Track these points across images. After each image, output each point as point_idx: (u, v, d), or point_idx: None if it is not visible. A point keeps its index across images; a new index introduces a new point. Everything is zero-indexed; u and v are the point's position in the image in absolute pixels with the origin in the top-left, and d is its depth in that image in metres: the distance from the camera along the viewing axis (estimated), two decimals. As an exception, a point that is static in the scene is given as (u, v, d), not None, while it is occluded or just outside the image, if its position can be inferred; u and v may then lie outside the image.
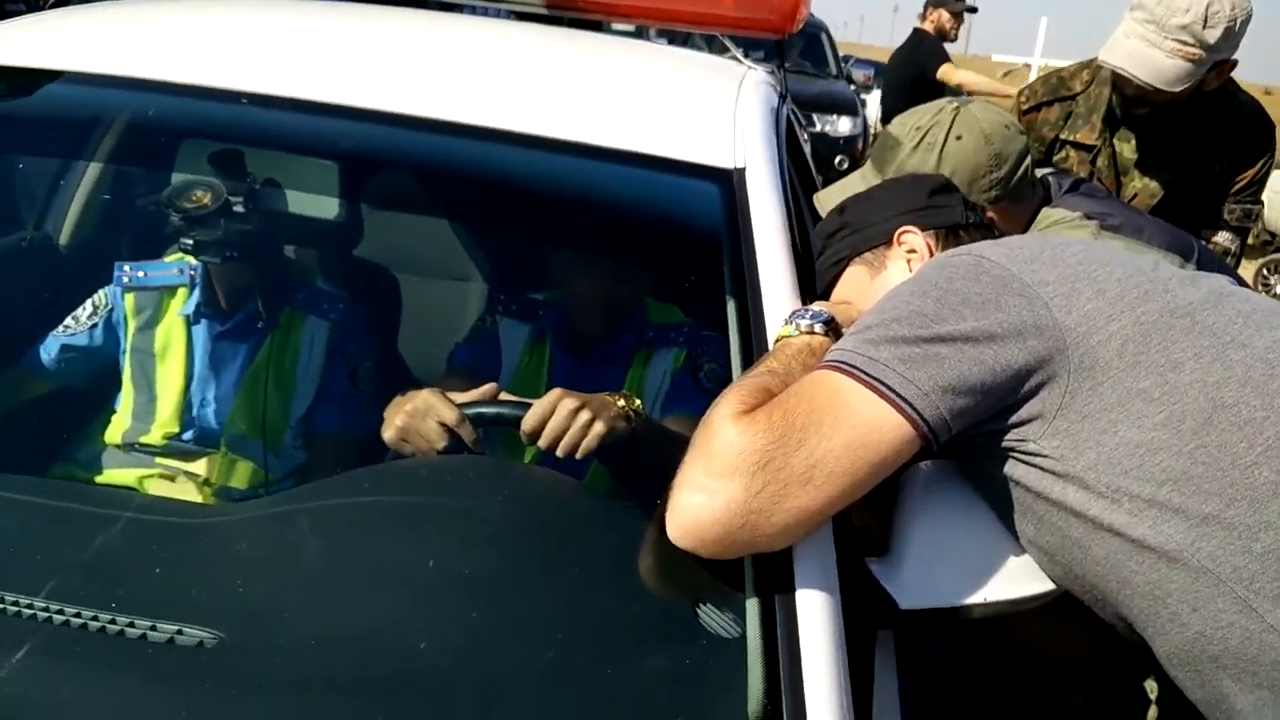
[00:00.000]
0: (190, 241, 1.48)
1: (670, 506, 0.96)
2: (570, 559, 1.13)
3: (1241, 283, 1.44)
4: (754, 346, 1.14)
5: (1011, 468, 1.07)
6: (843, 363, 1.02)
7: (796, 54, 10.32)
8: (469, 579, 1.07)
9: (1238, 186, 2.36)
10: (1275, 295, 9.14)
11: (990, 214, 1.55)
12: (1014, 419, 1.05)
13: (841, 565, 1.02)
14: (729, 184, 1.32)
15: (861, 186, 1.61)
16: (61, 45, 1.59)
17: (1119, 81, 2.24)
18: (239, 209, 1.44)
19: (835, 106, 8.77)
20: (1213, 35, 2.04)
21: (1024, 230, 1.61)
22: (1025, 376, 1.03)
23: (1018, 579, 1.07)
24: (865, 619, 1.04)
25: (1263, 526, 0.97)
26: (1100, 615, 1.11)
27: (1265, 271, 10.26)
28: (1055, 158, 2.48)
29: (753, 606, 0.96)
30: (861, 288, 1.35)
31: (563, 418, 1.24)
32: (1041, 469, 1.05)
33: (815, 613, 0.95)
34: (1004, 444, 1.06)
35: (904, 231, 1.33)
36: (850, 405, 0.99)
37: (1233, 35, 2.08)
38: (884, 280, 1.32)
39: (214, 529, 1.18)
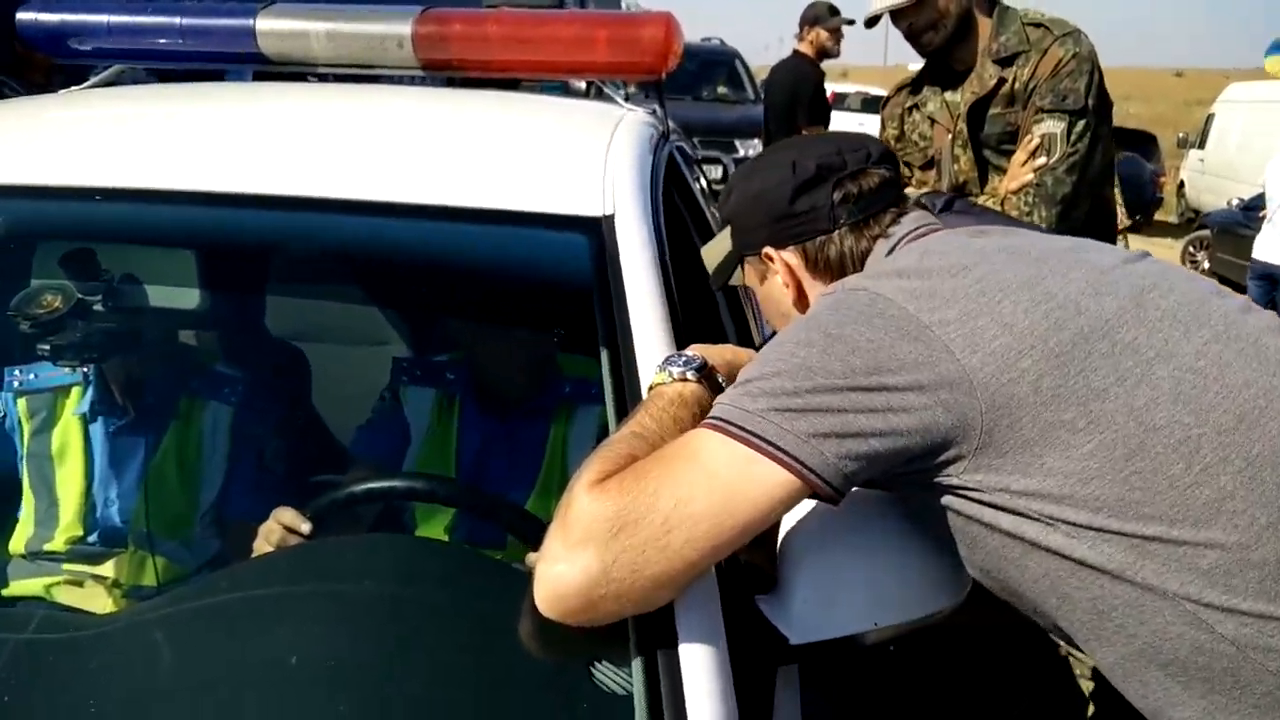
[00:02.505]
0: (47, 347, 1.45)
1: (535, 577, 0.95)
2: (471, 629, 1.12)
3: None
4: (626, 396, 1.14)
5: (937, 495, 1.04)
6: (717, 418, 0.98)
7: (720, 82, 10.60)
8: (361, 665, 1.06)
9: (1041, 81, 2.47)
10: (1203, 273, 9.36)
11: None
12: (930, 461, 1.00)
13: (730, 606, 1.02)
14: (597, 232, 1.33)
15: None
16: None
17: (896, 25, 2.59)
18: (97, 308, 1.42)
19: (755, 130, 8.94)
20: None
21: None
22: (930, 423, 0.98)
23: (908, 603, 1.07)
24: (761, 658, 1.04)
25: (1207, 544, 0.95)
26: (1040, 625, 1.10)
27: (1191, 249, 10.53)
28: (906, 125, 2.76)
29: (637, 661, 0.95)
30: (756, 289, 1.35)
31: None
32: (968, 498, 1.02)
33: (699, 661, 0.94)
34: (925, 477, 1.02)
35: (765, 253, 1.29)
36: (714, 462, 0.95)
37: None
38: (768, 292, 1.32)
39: (104, 640, 1.16)
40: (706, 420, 1.00)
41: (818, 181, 1.23)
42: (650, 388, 1.12)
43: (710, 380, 1.12)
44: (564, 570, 0.92)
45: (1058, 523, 0.98)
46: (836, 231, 1.23)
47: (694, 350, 1.16)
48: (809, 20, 5.26)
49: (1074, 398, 0.97)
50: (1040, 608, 1.06)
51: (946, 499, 1.04)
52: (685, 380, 1.10)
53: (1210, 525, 0.95)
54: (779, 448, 0.95)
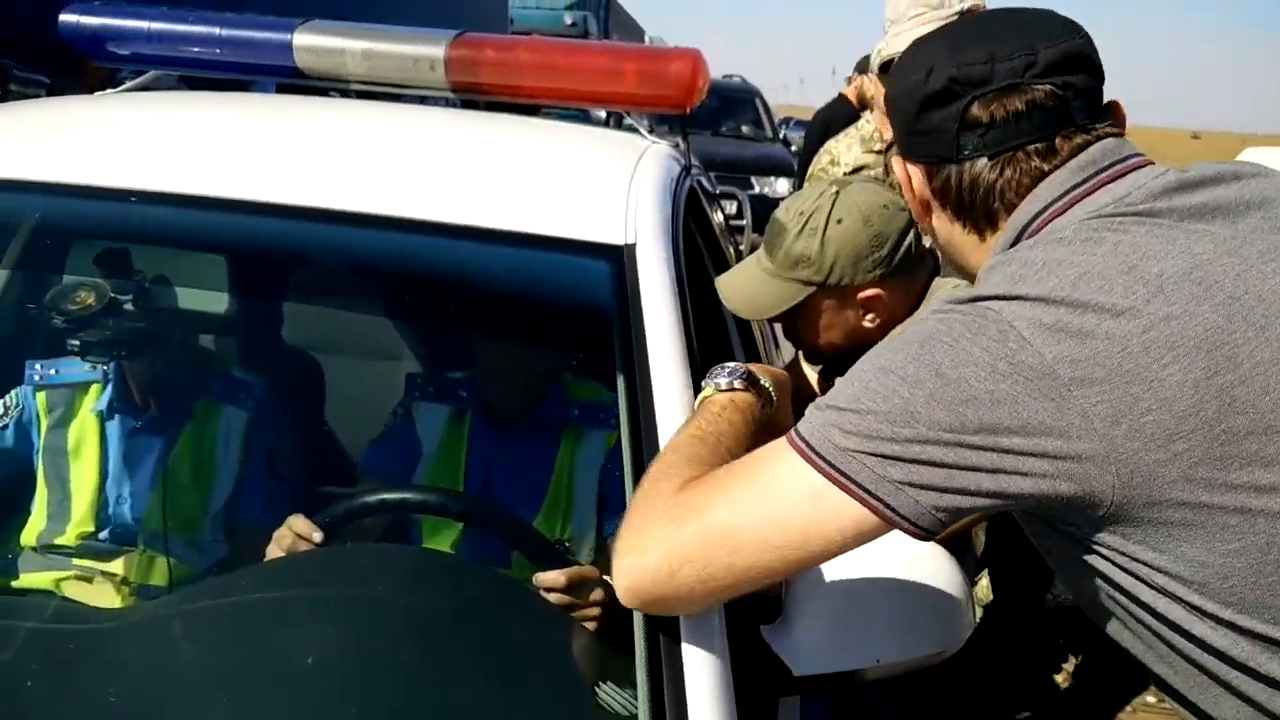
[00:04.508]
0: (76, 343, 1.48)
1: (614, 568, 0.97)
2: (476, 645, 1.13)
3: None
4: (641, 420, 1.16)
5: (1042, 524, 0.95)
6: (806, 445, 0.91)
7: (740, 120, 10.76)
8: (369, 672, 1.07)
9: None
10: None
11: (879, 291, 1.60)
12: (1040, 513, 0.91)
13: (735, 635, 1.03)
14: (619, 260, 1.35)
15: (756, 270, 1.67)
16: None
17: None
18: (127, 307, 1.45)
19: (772, 169, 9.09)
20: None
21: (916, 304, 1.64)
22: (1049, 491, 0.86)
23: (912, 641, 1.08)
24: (763, 687, 1.05)
25: None
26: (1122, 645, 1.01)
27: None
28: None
29: (642, 684, 0.97)
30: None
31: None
32: (1081, 542, 0.91)
33: (703, 687, 0.95)
34: (1031, 516, 0.94)
35: (894, 158, 1.11)
36: (796, 492, 0.91)
37: None
38: (905, 192, 1.12)
39: (113, 635, 1.17)
40: (794, 442, 0.93)
41: (948, 98, 0.99)
42: (699, 401, 1.13)
43: (756, 386, 1.13)
44: (637, 568, 0.94)
45: (1181, 601, 0.88)
46: (962, 163, 1.01)
47: (735, 364, 1.16)
48: (858, 67, 5.41)
49: (1231, 492, 0.84)
50: (1128, 643, 0.98)
51: (1053, 535, 0.94)
52: (733, 389, 1.11)
53: None
54: (870, 491, 0.88)
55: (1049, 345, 0.85)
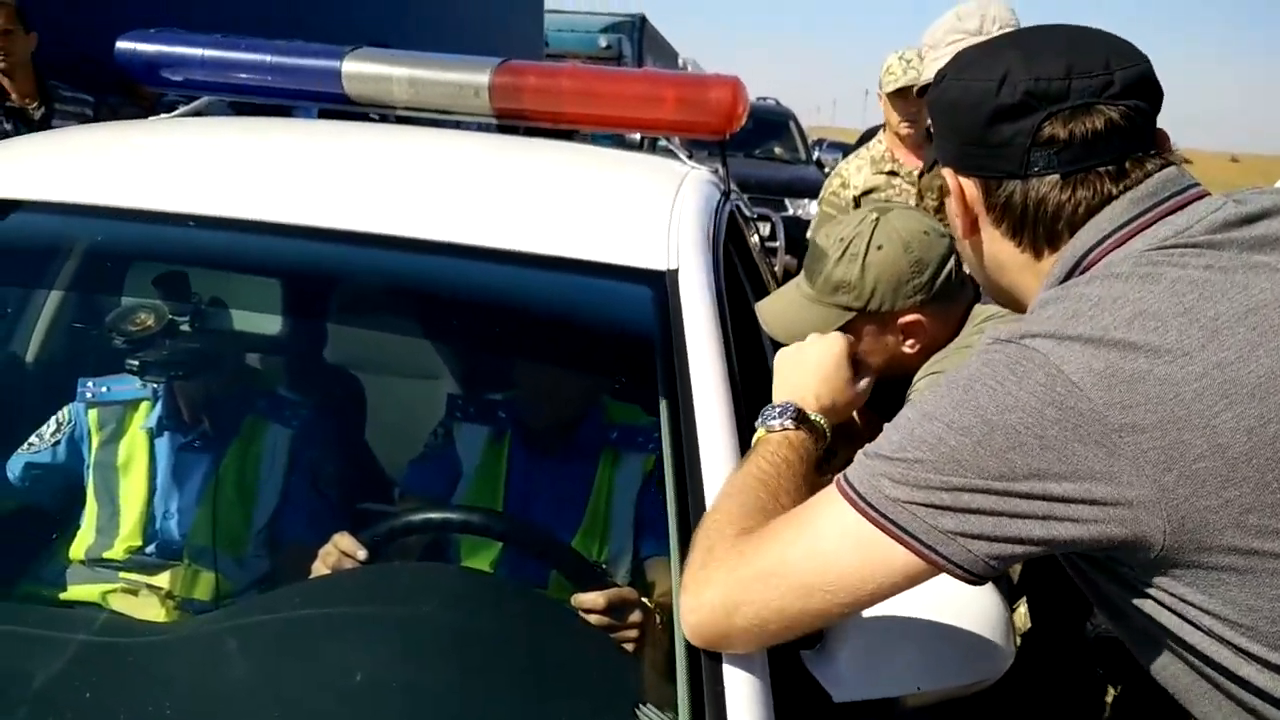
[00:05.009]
0: (135, 363, 1.52)
1: (679, 605, 1.02)
2: (517, 663, 1.15)
3: None
4: (683, 444, 1.17)
5: (1097, 569, 0.94)
6: (856, 495, 0.92)
7: (775, 142, 10.77)
8: (413, 689, 1.09)
9: None
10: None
11: (919, 317, 1.61)
12: (1090, 555, 0.91)
13: (776, 660, 1.04)
14: (661, 285, 1.37)
15: (796, 295, 1.68)
16: (22, 174, 1.65)
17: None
18: (184, 329, 1.49)
19: (806, 190, 9.06)
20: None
21: (957, 330, 1.65)
22: (1099, 536, 0.85)
23: (952, 670, 1.09)
24: (802, 713, 1.06)
25: None
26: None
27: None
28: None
29: (683, 706, 0.98)
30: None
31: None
32: (1126, 581, 0.91)
33: (744, 709, 0.96)
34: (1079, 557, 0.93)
35: (942, 171, 1.07)
36: (846, 541, 0.92)
37: None
38: (948, 207, 1.09)
39: (157, 648, 1.20)
40: (844, 490, 0.94)
41: (1023, 112, 0.95)
42: (755, 441, 1.16)
43: (808, 423, 1.17)
44: (698, 608, 0.99)
45: (1228, 644, 0.87)
46: (1028, 180, 0.97)
47: (785, 399, 1.21)
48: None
49: None
50: (1170, 683, 0.97)
51: (1097, 574, 0.94)
52: (785, 430, 1.15)
53: None
54: (921, 541, 0.89)
55: (1099, 391, 0.83)
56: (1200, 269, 0.88)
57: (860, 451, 0.96)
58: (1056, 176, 0.96)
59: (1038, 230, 0.99)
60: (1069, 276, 0.97)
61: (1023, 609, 2.49)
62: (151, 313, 1.50)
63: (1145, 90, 0.96)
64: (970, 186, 1.03)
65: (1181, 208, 0.94)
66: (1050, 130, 0.95)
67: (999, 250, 1.04)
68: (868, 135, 5.58)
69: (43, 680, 1.07)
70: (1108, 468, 0.83)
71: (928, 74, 2.65)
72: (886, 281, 1.59)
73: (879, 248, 1.59)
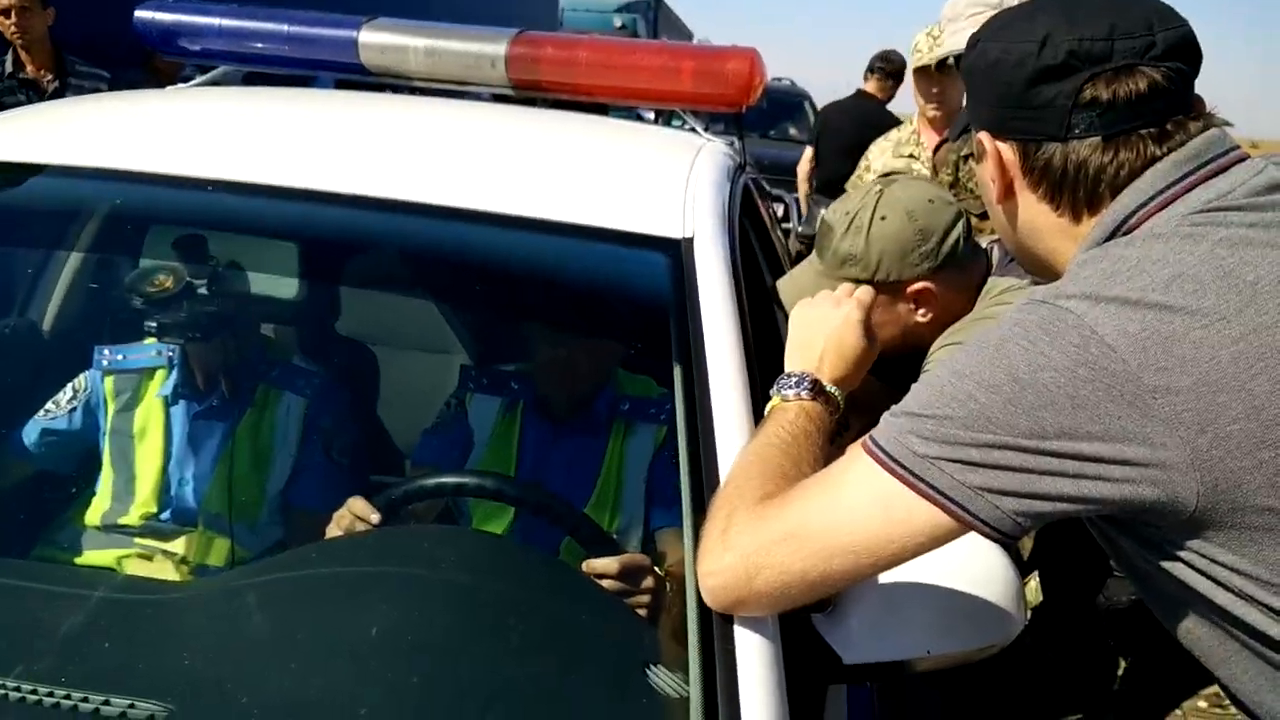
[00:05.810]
0: (154, 324, 1.53)
1: (698, 571, 1.01)
2: (529, 624, 1.15)
3: None
4: (698, 411, 1.18)
5: (1114, 525, 0.95)
6: (884, 453, 0.92)
7: (789, 123, 10.72)
8: (427, 647, 1.10)
9: None
10: None
11: (929, 285, 1.60)
12: (1120, 516, 0.90)
13: (787, 622, 1.04)
14: (677, 253, 1.37)
15: (811, 274, 1.68)
16: (43, 139, 1.66)
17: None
18: (202, 291, 1.49)
19: (818, 171, 8.98)
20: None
21: (971, 300, 1.64)
22: (1131, 496, 0.85)
23: (963, 634, 1.09)
24: (812, 675, 1.06)
25: None
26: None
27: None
28: (961, 173, 2.69)
29: (695, 667, 0.98)
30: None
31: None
32: (1154, 544, 0.91)
33: (755, 671, 0.96)
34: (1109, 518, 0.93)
35: (978, 138, 1.05)
36: (874, 501, 0.92)
37: None
38: (980, 174, 1.07)
39: (176, 605, 1.21)
40: (870, 449, 0.94)
41: (1065, 73, 0.94)
42: (769, 410, 1.15)
43: (824, 394, 1.15)
44: (719, 572, 0.98)
45: (1258, 604, 0.87)
46: (1069, 142, 0.96)
47: (797, 368, 1.18)
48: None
49: None
50: (1196, 645, 0.97)
51: (1125, 537, 0.94)
52: (800, 399, 1.13)
53: None
54: (949, 497, 0.89)
55: (1133, 352, 0.83)
56: (1242, 232, 0.88)
57: (886, 413, 0.96)
58: (1098, 139, 0.95)
59: (1078, 193, 0.97)
60: (1109, 239, 0.96)
61: (1034, 582, 2.49)
62: (170, 274, 1.50)
63: (1186, 52, 0.95)
64: (1008, 150, 1.01)
65: (1223, 170, 0.93)
66: (1092, 92, 0.93)
67: (1035, 215, 1.02)
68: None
69: (64, 632, 1.08)
70: (1141, 429, 0.83)
71: (945, 48, 2.64)
72: (892, 252, 1.59)
73: (882, 218, 1.59)
